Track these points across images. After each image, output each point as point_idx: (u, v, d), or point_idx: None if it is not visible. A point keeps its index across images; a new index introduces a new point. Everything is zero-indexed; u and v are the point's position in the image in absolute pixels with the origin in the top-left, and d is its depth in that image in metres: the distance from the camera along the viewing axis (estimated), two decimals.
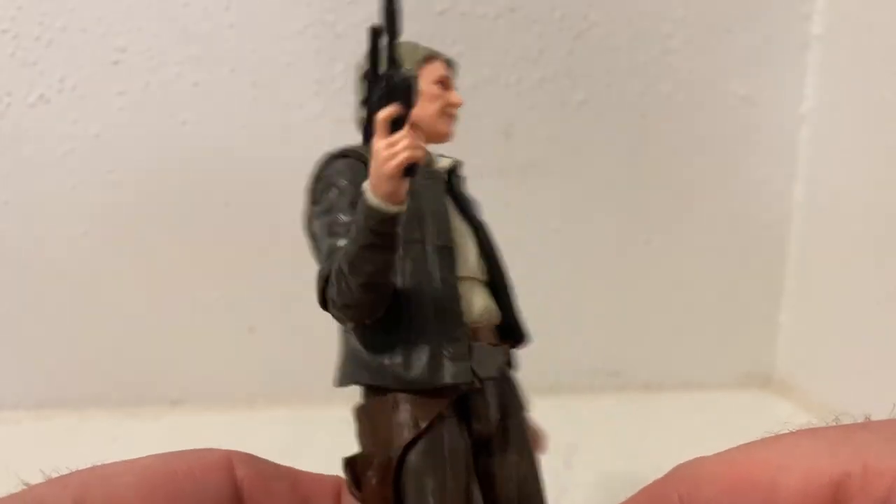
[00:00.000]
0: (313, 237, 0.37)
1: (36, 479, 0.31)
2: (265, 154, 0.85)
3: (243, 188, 0.86)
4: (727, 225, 0.95)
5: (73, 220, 0.84)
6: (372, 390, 0.36)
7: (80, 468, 0.32)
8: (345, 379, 0.37)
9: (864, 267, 0.84)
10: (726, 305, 0.96)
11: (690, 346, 0.96)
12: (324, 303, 0.35)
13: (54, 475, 0.31)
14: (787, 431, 0.30)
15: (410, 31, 0.82)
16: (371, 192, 0.32)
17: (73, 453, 0.35)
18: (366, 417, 0.36)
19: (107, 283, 0.86)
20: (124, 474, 0.32)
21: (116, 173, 0.83)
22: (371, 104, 0.34)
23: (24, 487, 0.30)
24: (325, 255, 0.35)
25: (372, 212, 0.32)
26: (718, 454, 0.32)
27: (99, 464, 0.32)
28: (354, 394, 0.38)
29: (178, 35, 0.82)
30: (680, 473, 0.33)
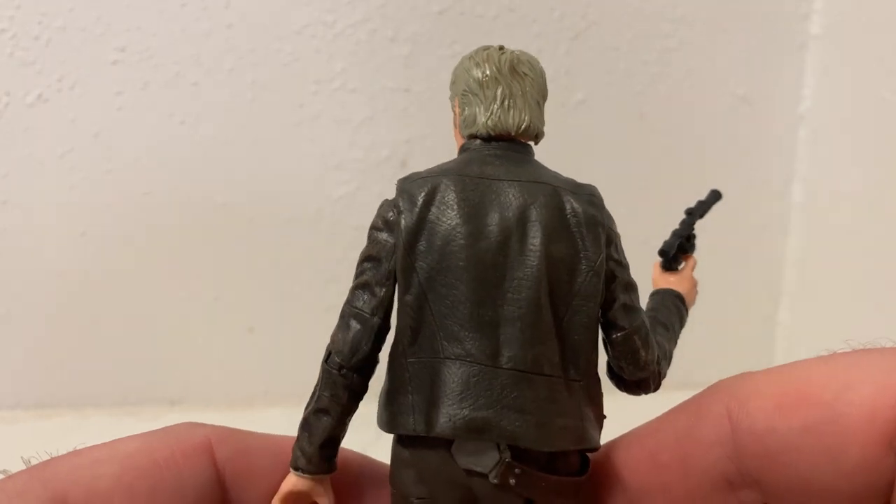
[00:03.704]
0: (629, 277, 0.37)
1: None
2: (264, 154, 0.85)
3: (242, 188, 0.86)
4: (725, 224, 0.95)
5: (72, 220, 0.84)
6: (583, 457, 0.35)
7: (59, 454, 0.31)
8: (589, 441, 0.34)
9: (863, 266, 0.84)
10: (725, 305, 0.96)
11: (689, 346, 0.95)
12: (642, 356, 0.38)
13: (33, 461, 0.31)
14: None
15: (409, 31, 0.82)
16: (687, 306, 0.45)
17: None
18: (581, 491, 0.34)
19: (106, 283, 0.86)
20: (106, 463, 0.31)
21: (116, 173, 0.84)
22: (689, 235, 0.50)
23: (2, 476, 0.30)
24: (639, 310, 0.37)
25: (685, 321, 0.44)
26: (769, 369, 0.28)
27: (81, 447, 0.32)
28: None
29: (177, 35, 0.82)
30: (726, 386, 0.29)
